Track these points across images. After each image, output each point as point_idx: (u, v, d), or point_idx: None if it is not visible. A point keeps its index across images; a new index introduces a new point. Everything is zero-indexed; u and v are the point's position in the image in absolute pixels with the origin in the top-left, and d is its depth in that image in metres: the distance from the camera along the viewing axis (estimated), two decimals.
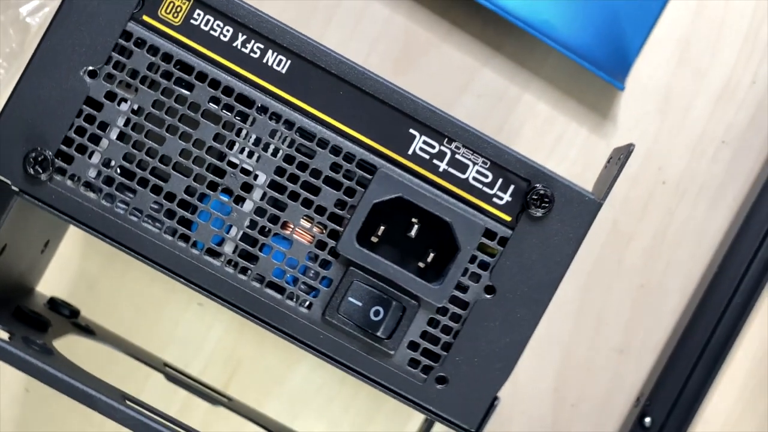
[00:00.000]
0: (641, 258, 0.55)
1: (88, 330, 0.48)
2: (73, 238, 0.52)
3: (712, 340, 0.53)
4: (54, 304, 0.48)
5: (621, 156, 0.40)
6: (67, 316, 0.48)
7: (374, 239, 0.39)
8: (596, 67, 0.53)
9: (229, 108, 0.39)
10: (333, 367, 0.40)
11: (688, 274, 0.55)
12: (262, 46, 0.39)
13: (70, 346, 0.44)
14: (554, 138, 0.55)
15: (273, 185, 0.39)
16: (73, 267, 0.54)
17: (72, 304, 0.49)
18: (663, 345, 0.55)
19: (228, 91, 0.39)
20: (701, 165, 0.55)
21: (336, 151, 0.39)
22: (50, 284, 0.52)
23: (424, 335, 0.39)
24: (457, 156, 0.39)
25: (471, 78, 0.55)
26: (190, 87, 0.39)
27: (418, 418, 0.53)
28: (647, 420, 0.53)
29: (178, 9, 0.38)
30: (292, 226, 0.39)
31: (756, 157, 0.55)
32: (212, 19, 0.38)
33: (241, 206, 0.39)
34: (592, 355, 0.55)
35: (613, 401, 0.55)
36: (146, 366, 0.50)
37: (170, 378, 0.49)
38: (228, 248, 0.39)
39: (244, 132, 0.39)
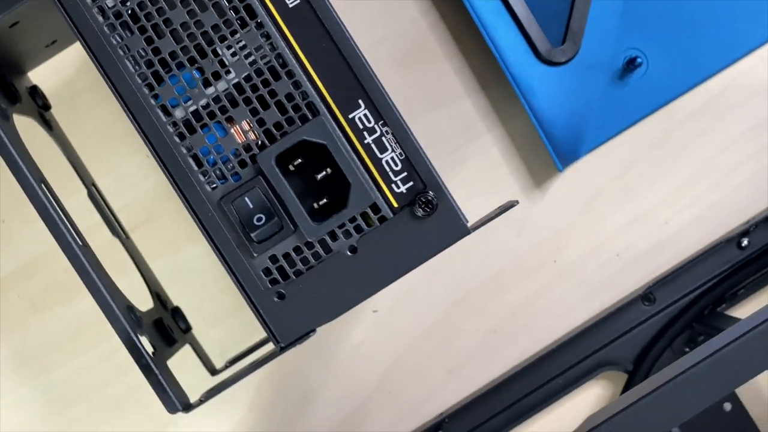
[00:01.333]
0: (506, 309, 0.62)
1: (48, 125, 0.56)
2: (78, 50, 0.60)
3: (522, 401, 0.61)
4: (34, 90, 0.55)
5: (504, 207, 0.48)
6: (39, 105, 0.55)
7: (291, 167, 0.47)
8: (549, 143, 0.60)
9: (235, 10, 0.46)
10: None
11: (534, 341, 0.62)
12: None
13: (27, 129, 0.52)
14: (490, 182, 0.62)
15: (236, 85, 0.47)
16: (66, 74, 0.61)
17: (48, 99, 0.57)
18: (484, 384, 0.62)
19: None
20: (590, 264, 0.62)
21: (297, 84, 0.46)
22: (40, 77, 0.58)
23: (286, 256, 0.47)
24: (383, 138, 0.47)
25: (451, 100, 0.62)
26: None
27: (260, 335, 0.60)
28: None
29: None
30: (234, 122, 0.47)
31: (635, 282, 0.62)
32: None
33: (205, 88, 0.47)
34: (426, 363, 0.62)
35: (423, 406, 0.62)
36: (78, 179, 0.57)
37: (92, 197, 0.57)
38: (178, 113, 0.47)
39: (237, 35, 0.46)
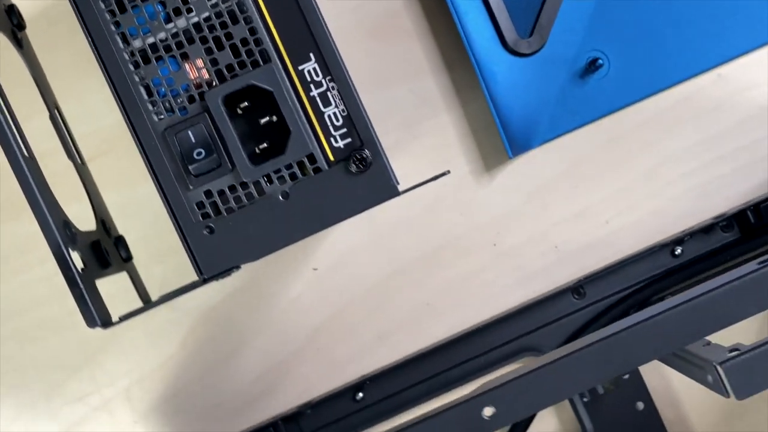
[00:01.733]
0: (441, 284, 0.64)
1: (19, 43, 0.57)
2: None
3: (443, 374, 0.63)
4: (11, 9, 0.57)
5: (435, 176, 0.49)
6: (14, 24, 0.57)
7: (237, 110, 0.49)
8: (503, 129, 0.62)
9: None
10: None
11: (464, 318, 0.64)
12: None
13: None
14: (441, 159, 0.64)
15: (196, 24, 0.49)
16: (48, 0, 0.63)
17: (25, 21, 0.59)
18: (407, 354, 0.64)
19: None
20: (529, 251, 0.64)
21: (253, 31, 0.48)
22: (23, 3, 0.60)
23: (221, 193, 0.49)
24: (328, 93, 0.49)
25: (415, 75, 0.64)
26: None
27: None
28: (360, 395, 0.63)
29: None
30: (188, 60, 0.49)
31: (568, 274, 0.64)
32: None
33: (165, 23, 0.49)
34: (357, 326, 0.64)
35: (348, 366, 0.64)
36: (41, 100, 0.58)
37: (53, 119, 0.58)
38: (137, 43, 0.49)
39: None
